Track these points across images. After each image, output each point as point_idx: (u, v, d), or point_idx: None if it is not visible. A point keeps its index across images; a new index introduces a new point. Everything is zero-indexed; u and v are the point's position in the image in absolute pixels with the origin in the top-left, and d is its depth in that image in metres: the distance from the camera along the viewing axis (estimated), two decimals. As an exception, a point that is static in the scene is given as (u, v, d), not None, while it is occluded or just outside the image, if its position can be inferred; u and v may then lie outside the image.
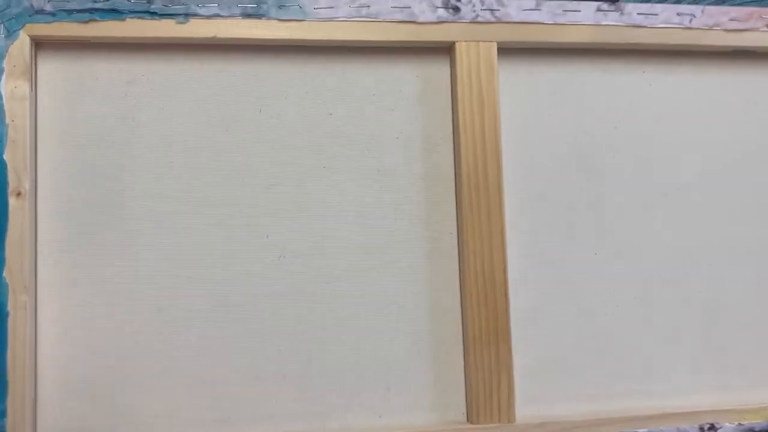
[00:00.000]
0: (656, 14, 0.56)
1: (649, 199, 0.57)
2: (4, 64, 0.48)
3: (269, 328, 0.51)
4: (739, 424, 0.54)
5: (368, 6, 0.52)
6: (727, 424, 0.54)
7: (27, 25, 0.48)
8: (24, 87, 0.48)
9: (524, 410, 0.53)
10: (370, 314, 0.52)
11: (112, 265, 0.49)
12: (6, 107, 0.48)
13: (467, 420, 0.52)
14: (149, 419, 0.49)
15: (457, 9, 0.53)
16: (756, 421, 0.54)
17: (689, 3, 0.58)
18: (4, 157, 0.47)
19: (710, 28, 0.57)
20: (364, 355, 0.52)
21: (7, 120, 0.48)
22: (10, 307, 0.47)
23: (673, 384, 0.55)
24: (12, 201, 0.47)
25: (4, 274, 0.47)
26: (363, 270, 0.52)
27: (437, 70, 0.54)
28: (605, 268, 0.55)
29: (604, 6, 0.55)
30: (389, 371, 0.52)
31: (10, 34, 0.48)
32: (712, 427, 0.54)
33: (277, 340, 0.51)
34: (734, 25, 0.57)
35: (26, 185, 0.48)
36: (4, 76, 0.48)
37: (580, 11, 0.55)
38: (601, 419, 0.52)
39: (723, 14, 0.57)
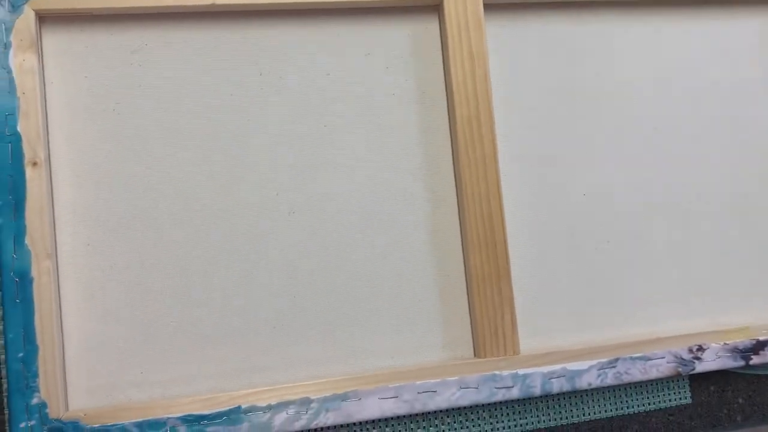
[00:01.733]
0: (629, -34, 0.59)
1: (631, 140, 0.60)
2: (12, 38, 0.49)
3: (283, 280, 0.53)
4: (725, 343, 0.58)
5: (359, -32, 0.54)
6: (713, 344, 0.58)
7: (31, 0, 0.50)
8: (32, 60, 0.49)
9: (527, 343, 0.56)
10: (377, 262, 0.55)
11: (129, 226, 0.51)
12: (17, 80, 0.49)
13: (474, 355, 0.55)
14: (175, 374, 0.51)
15: (443, -32, 0.56)
16: (739, 340, 0.58)
17: (658, -45, 0.62)
18: (18, 129, 0.49)
19: (679, -22, 0.60)
20: (374, 301, 0.55)
21: (18, 93, 0.49)
22: (34, 273, 0.48)
23: (662, 311, 0.59)
24: (29, 171, 0.49)
25: (26, 242, 0.48)
26: (368, 220, 0.55)
27: (428, 28, 0.57)
28: (595, 208, 0.59)
29: (581, -40, 0.58)
30: (399, 314, 0.55)
31: (15, 9, 0.49)
32: (700, 348, 0.58)
33: (292, 292, 0.53)
34: (701, -26, 0.61)
35: (41, 155, 0.49)
36: (12, 50, 0.49)
37: (558, -34, 0.58)
38: (599, 346, 0.56)
39: (690, -36, 0.61)
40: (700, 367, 0.57)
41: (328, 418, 0.51)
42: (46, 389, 0.48)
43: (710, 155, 0.62)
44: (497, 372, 0.54)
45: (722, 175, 0.62)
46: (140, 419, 0.49)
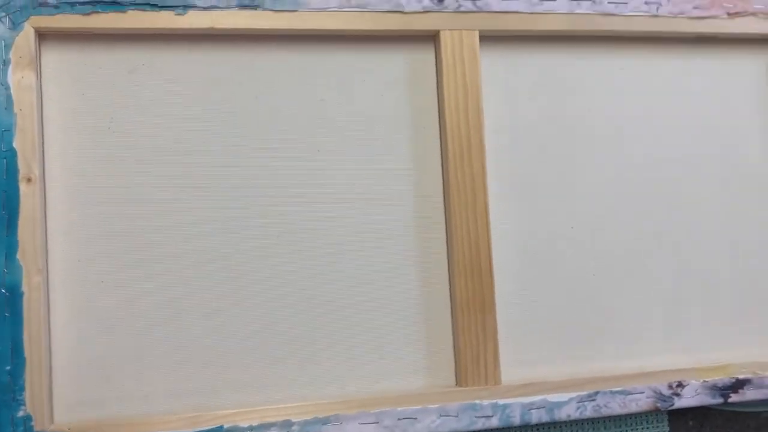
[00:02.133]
0: (626, 3, 0.60)
1: (621, 175, 0.61)
2: (11, 56, 0.50)
3: (269, 301, 0.54)
4: (704, 381, 0.59)
5: (358, -3, 0.55)
6: (693, 381, 0.59)
7: (31, 17, 0.50)
8: (30, 77, 0.50)
9: (509, 373, 0.57)
10: (364, 287, 0.56)
11: (120, 245, 0.52)
12: (14, 97, 0.50)
13: (456, 384, 0.56)
14: (160, 391, 0.52)
15: (441, -1, 0.56)
16: (719, 377, 0.59)
17: (656, -8, 0.62)
18: (14, 145, 0.49)
19: (675, 16, 0.61)
20: (359, 326, 0.55)
21: (16, 109, 0.50)
22: (24, 288, 0.49)
23: (644, 346, 0.60)
24: (23, 187, 0.49)
25: (18, 257, 0.49)
26: (357, 245, 0.56)
27: (423, 57, 0.58)
28: (582, 240, 0.60)
29: (578, -5, 0.59)
30: (382, 340, 0.56)
31: (16, 27, 0.50)
32: (680, 384, 0.58)
33: (277, 312, 0.54)
34: (697, 12, 0.61)
35: (36, 171, 0.50)
36: (11, 67, 0.50)
37: (555, 1, 0.58)
38: (580, 379, 0.57)
39: (687, 2, 0.61)
40: (678, 403, 0.58)
41: (309, 441, 0.52)
42: (32, 402, 0.49)
43: (699, 193, 0.62)
44: (478, 401, 0.55)
45: (709, 214, 0.62)
46: (123, 435, 0.50)
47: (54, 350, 0.51)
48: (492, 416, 0.55)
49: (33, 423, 0.48)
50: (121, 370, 0.52)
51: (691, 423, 0.61)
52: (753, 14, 0.62)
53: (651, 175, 0.61)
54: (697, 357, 0.61)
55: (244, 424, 0.51)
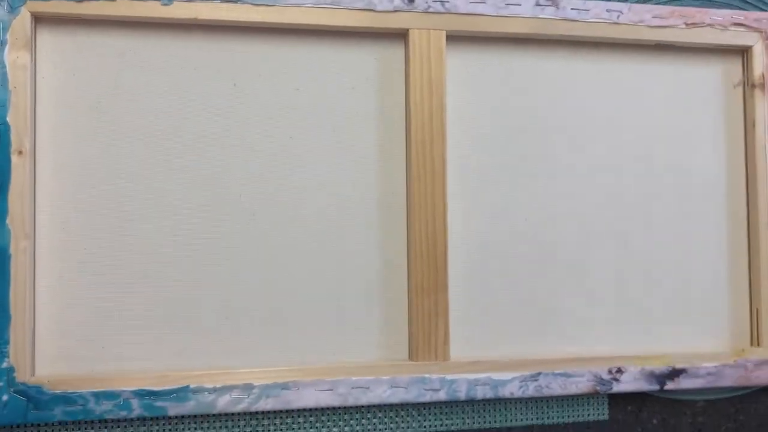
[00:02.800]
0: (588, 10, 0.63)
1: (575, 173, 0.65)
2: (8, 37, 0.54)
3: (240, 275, 0.58)
4: (642, 368, 0.63)
5: (333, -5, 0.59)
6: (632, 368, 0.63)
7: (28, 2, 0.54)
8: (25, 57, 0.54)
9: (458, 351, 0.61)
10: (328, 266, 0.60)
11: (103, 215, 0.57)
12: (9, 75, 0.54)
13: (409, 358, 0.60)
14: (133, 352, 0.57)
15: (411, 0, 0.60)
16: (656, 366, 0.63)
17: (617, 1, 0.66)
18: (8, 119, 0.54)
19: (635, 24, 0.64)
20: (322, 301, 0.60)
21: (10, 87, 0.54)
22: (12, 251, 0.54)
23: (587, 334, 0.64)
24: (14, 158, 0.54)
25: (7, 222, 0.54)
26: (324, 229, 0.60)
27: (393, 54, 0.62)
28: (534, 232, 0.64)
29: (542, 1, 0.62)
30: (343, 315, 0.60)
31: (13, 10, 0.54)
32: (619, 370, 0.63)
33: (248, 288, 0.59)
34: (656, 21, 0.65)
35: (27, 145, 0.54)
36: (7, 48, 0.54)
37: (520, 5, 0.62)
38: (524, 360, 0.61)
39: (647, 12, 0.64)
40: (617, 388, 0.62)
41: (268, 404, 0.57)
42: (15, 355, 0.53)
43: (647, 192, 0.66)
44: (427, 375, 0.59)
45: (656, 213, 0.66)
46: (98, 389, 0.54)
47: (38, 310, 0.56)
48: (439, 390, 0.59)
49: (15, 374, 0.53)
50: (98, 330, 0.56)
51: (629, 408, 0.65)
52: (710, 25, 0.66)
53: (603, 174, 0.65)
54: (637, 346, 0.65)
55: (209, 385, 0.56)
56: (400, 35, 0.61)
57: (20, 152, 0.54)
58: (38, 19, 0.56)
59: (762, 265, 0.66)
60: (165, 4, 0.56)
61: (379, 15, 0.60)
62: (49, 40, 0.56)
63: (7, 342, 0.53)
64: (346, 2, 0.59)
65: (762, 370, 0.65)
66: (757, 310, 0.66)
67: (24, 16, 0.54)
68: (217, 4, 0.57)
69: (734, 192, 0.67)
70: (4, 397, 0.53)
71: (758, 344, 0.66)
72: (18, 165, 0.54)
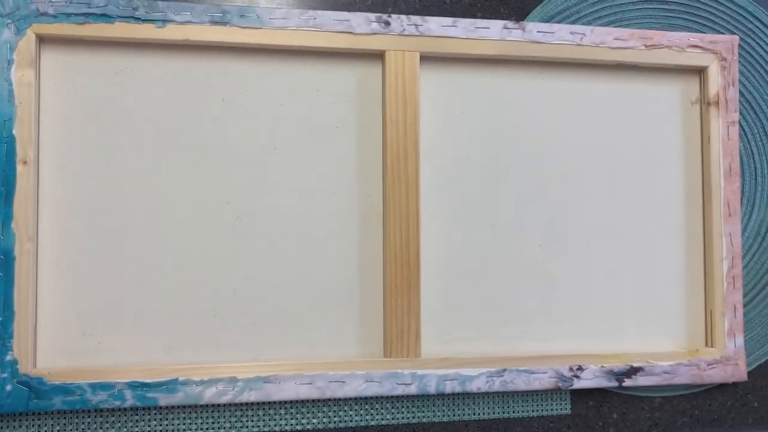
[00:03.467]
0: (553, 32, 0.68)
1: (540, 184, 0.69)
2: (14, 56, 0.59)
3: (227, 275, 0.63)
4: (602, 366, 0.67)
5: (315, 18, 0.64)
6: (592, 365, 0.67)
7: (33, 24, 0.59)
8: (30, 75, 0.59)
9: (429, 348, 0.66)
10: (309, 267, 0.65)
11: (101, 220, 0.61)
12: (15, 92, 0.59)
13: (383, 354, 0.65)
14: (126, 347, 0.61)
15: (387, 23, 0.65)
16: (615, 364, 0.68)
17: (581, 24, 0.71)
18: (14, 132, 0.59)
19: (597, 45, 0.69)
20: (303, 300, 0.64)
21: (16, 102, 0.59)
22: (16, 253, 0.58)
23: (550, 333, 0.69)
24: (19, 168, 0.59)
25: (12, 226, 0.58)
26: (304, 233, 0.65)
27: (370, 73, 0.66)
28: (501, 238, 0.68)
29: (510, 24, 0.67)
30: (322, 313, 0.65)
31: (19, 32, 0.59)
32: (579, 367, 0.67)
33: (233, 285, 0.63)
34: (618, 43, 0.69)
35: (31, 155, 0.59)
36: (14, 66, 0.59)
37: (489, 28, 0.67)
38: (491, 357, 0.65)
39: (608, 34, 0.69)
40: (578, 384, 0.67)
41: (251, 396, 0.61)
42: (18, 349, 0.58)
43: (609, 201, 0.71)
44: (399, 370, 0.64)
45: (617, 221, 0.71)
46: (94, 381, 0.59)
47: (40, 307, 0.60)
48: (411, 384, 0.64)
49: (18, 366, 0.58)
50: (95, 326, 0.61)
51: (590, 403, 0.70)
52: (668, 47, 0.70)
53: (567, 183, 0.70)
54: (597, 345, 0.69)
55: (196, 378, 0.60)
56: (378, 56, 0.66)
57: (25, 162, 0.59)
58: (42, 40, 0.61)
59: (716, 271, 0.70)
60: (159, 27, 0.61)
61: (358, 37, 0.64)
62: (52, 59, 0.61)
63: (11, 336, 0.58)
64: (327, 25, 0.64)
65: (714, 369, 0.69)
66: (711, 312, 0.71)
67: (29, 38, 0.59)
68: (207, 26, 0.62)
69: (691, 201, 0.72)
70: (8, 387, 0.58)
71: (712, 345, 0.71)
72: (23, 174, 0.59)
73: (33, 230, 0.59)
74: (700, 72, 0.72)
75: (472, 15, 0.69)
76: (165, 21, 0.61)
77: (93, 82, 0.62)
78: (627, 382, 0.68)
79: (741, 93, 0.75)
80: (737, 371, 0.70)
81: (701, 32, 0.74)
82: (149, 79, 0.63)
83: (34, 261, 0.59)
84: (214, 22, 0.62)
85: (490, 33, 0.67)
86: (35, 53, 0.60)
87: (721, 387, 0.72)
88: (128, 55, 0.62)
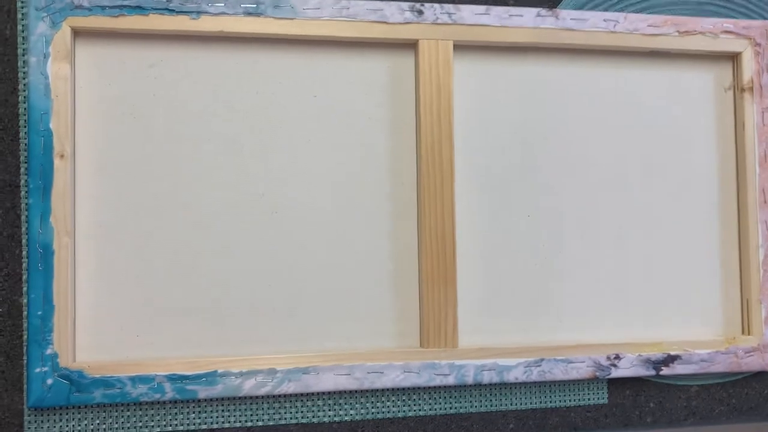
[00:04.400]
0: (586, 20, 0.68)
1: (575, 172, 0.69)
2: (50, 50, 0.59)
3: (263, 269, 0.63)
4: (639, 355, 0.67)
5: (348, 8, 0.63)
6: (629, 354, 0.67)
7: (68, 18, 0.59)
8: (66, 68, 0.59)
9: (467, 339, 0.66)
10: (345, 260, 0.64)
11: (137, 214, 0.61)
12: (51, 85, 0.59)
13: (420, 345, 0.65)
14: (166, 339, 0.61)
15: (420, 12, 0.64)
16: (652, 353, 0.67)
17: (614, 11, 0.70)
18: (51, 125, 0.59)
19: (631, 32, 0.68)
20: (339, 292, 0.64)
21: (53, 96, 0.59)
22: (55, 247, 0.58)
23: (586, 322, 0.68)
24: (57, 161, 0.59)
25: (51, 220, 0.58)
26: (340, 224, 0.65)
27: (404, 63, 0.66)
28: (536, 228, 0.68)
29: (543, 12, 0.67)
30: (359, 305, 0.64)
31: (55, 25, 0.59)
32: (617, 356, 0.67)
33: (269, 278, 0.63)
34: (651, 30, 0.69)
35: (68, 149, 0.59)
36: (50, 60, 0.59)
37: (522, 16, 0.66)
38: (528, 347, 0.65)
39: (642, 21, 0.69)
40: (615, 373, 0.66)
41: (290, 387, 0.61)
42: (58, 342, 0.58)
43: (644, 190, 0.70)
44: (437, 361, 0.63)
45: (653, 210, 0.70)
46: (134, 374, 0.59)
47: (78, 301, 0.60)
48: (449, 374, 0.63)
49: (59, 359, 0.58)
50: (133, 319, 0.61)
51: (627, 392, 0.69)
52: (701, 33, 0.70)
53: (602, 173, 0.69)
54: (634, 334, 0.69)
55: (235, 370, 0.60)
56: (411, 45, 0.66)
57: (62, 156, 0.59)
58: (77, 33, 0.60)
59: (752, 259, 0.70)
60: (193, 18, 0.61)
61: (391, 27, 0.64)
62: (87, 52, 0.61)
63: (51, 330, 0.58)
64: (360, 15, 0.64)
65: (752, 357, 0.69)
66: (748, 300, 0.70)
67: (65, 31, 0.59)
68: (241, 17, 0.62)
69: (726, 189, 0.72)
70: (49, 381, 0.58)
71: (749, 333, 0.70)
72: (60, 167, 0.59)
73: (71, 225, 0.59)
74: (734, 58, 0.72)
75: (505, 2, 0.69)
76: (199, 12, 0.61)
77: (128, 74, 0.62)
78: (664, 371, 0.67)
79: (774, 79, 0.74)
80: (775, 359, 0.70)
81: (734, 17, 0.73)
82: (183, 72, 0.62)
83: (72, 255, 0.59)
84: (248, 13, 0.62)
85: (524, 21, 0.66)
86: (70, 46, 0.59)
87: (759, 375, 0.72)
88: (162, 47, 0.62)
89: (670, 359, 0.67)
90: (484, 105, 0.68)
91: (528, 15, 0.66)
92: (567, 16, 0.67)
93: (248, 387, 0.60)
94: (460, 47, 0.66)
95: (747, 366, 0.69)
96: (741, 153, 0.71)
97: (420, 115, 0.64)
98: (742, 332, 0.71)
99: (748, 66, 0.71)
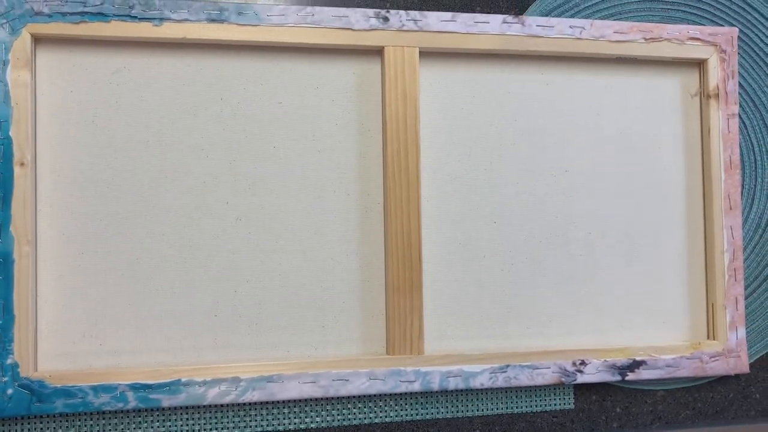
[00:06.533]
0: (552, 26, 0.68)
1: (541, 179, 0.69)
2: (9, 57, 0.58)
3: (227, 275, 0.63)
4: (605, 360, 0.67)
5: (313, 15, 0.63)
6: (594, 360, 0.67)
7: (28, 24, 0.58)
8: (26, 76, 0.58)
9: (432, 346, 0.66)
10: (311, 267, 0.64)
11: (100, 222, 0.61)
12: (11, 92, 0.58)
13: (386, 352, 0.65)
14: (128, 348, 0.61)
15: (386, 19, 0.64)
16: (618, 359, 0.68)
17: (580, 17, 0.70)
18: (10, 133, 0.58)
19: (597, 39, 0.69)
20: (304, 299, 0.64)
21: (12, 103, 0.58)
22: (15, 256, 0.58)
23: (553, 328, 0.69)
24: (17, 169, 0.58)
25: (11, 229, 0.58)
26: (305, 231, 0.64)
27: (370, 69, 0.66)
28: (502, 234, 0.68)
29: (509, 19, 0.67)
30: (324, 313, 0.64)
31: (14, 32, 0.58)
32: (582, 362, 0.67)
33: (234, 286, 0.63)
34: (617, 36, 0.69)
35: (28, 157, 0.58)
36: (9, 67, 0.58)
37: (488, 23, 0.66)
38: (494, 354, 0.65)
39: (608, 27, 0.69)
40: (581, 379, 0.67)
41: (254, 396, 0.61)
42: (19, 352, 0.57)
43: (611, 196, 0.70)
44: (402, 368, 0.63)
45: (619, 215, 0.71)
46: (96, 383, 0.58)
47: (40, 309, 0.60)
48: (414, 381, 0.64)
49: (19, 369, 0.57)
50: (95, 328, 0.60)
51: (594, 398, 0.70)
52: (668, 40, 0.70)
53: (569, 179, 0.70)
54: (599, 339, 0.69)
55: (199, 379, 0.60)
56: (377, 52, 0.66)
57: (22, 164, 0.58)
58: (37, 40, 0.60)
59: (717, 264, 0.70)
60: (156, 25, 0.61)
61: (357, 33, 0.64)
62: (47, 59, 0.60)
63: (11, 340, 0.57)
64: (325, 22, 0.63)
65: (717, 362, 0.69)
66: (713, 305, 0.71)
67: (24, 38, 0.58)
68: (205, 24, 0.61)
69: (692, 194, 0.72)
70: (9, 391, 0.57)
71: (713, 338, 0.71)
72: (20, 175, 0.58)
73: (31, 233, 0.58)
74: (700, 64, 0.72)
75: (471, 9, 0.69)
76: (162, 19, 0.61)
77: (90, 82, 0.61)
78: (630, 376, 0.68)
79: (740, 85, 0.74)
80: (739, 363, 0.70)
81: (701, 24, 0.73)
82: (147, 79, 0.62)
83: (33, 264, 0.59)
84: (212, 20, 0.61)
85: (490, 27, 0.66)
86: (31, 53, 0.59)
87: (723, 379, 0.72)
88: (125, 54, 0.62)
89: (635, 365, 0.68)
90: (450, 111, 0.68)
91: (494, 22, 0.66)
92: (533, 22, 0.67)
93: (212, 395, 0.60)
94: (426, 54, 0.66)
95: (712, 371, 0.69)
96: (707, 159, 0.72)
97: (386, 122, 0.64)
98: (708, 337, 0.71)
99: (714, 73, 0.71)
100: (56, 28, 0.59)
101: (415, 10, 0.67)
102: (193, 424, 0.62)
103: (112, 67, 0.62)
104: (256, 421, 0.63)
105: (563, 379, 0.66)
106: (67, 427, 0.60)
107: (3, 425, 0.59)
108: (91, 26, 0.60)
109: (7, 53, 0.58)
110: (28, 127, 0.58)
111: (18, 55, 0.58)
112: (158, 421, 0.61)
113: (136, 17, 0.60)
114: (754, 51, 0.75)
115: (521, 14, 0.69)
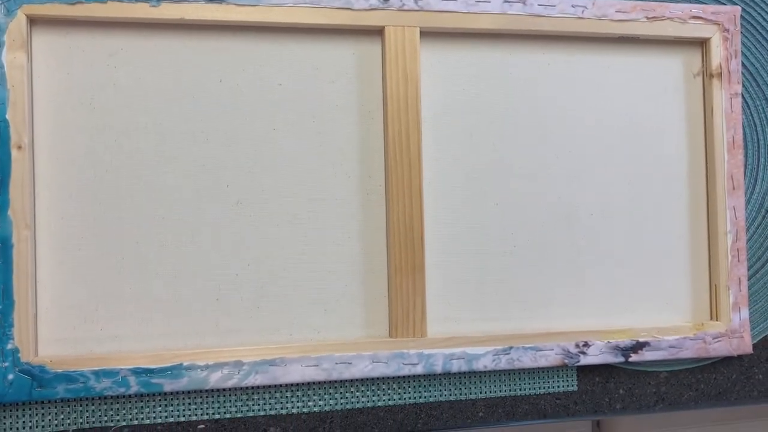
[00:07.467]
0: (554, 5, 0.67)
1: (543, 160, 0.69)
2: (5, 39, 0.57)
3: (228, 259, 0.62)
4: (608, 342, 0.67)
5: (312, -6, 0.62)
6: (598, 341, 0.67)
7: (24, 5, 0.58)
8: (22, 58, 0.58)
9: (435, 328, 0.65)
10: (312, 250, 0.64)
11: (99, 205, 0.60)
12: (7, 75, 0.57)
13: (389, 335, 0.64)
14: (129, 332, 0.60)
15: (386, -2, 0.64)
16: (621, 340, 0.67)
17: (582, -4, 0.70)
18: (7, 116, 0.57)
19: (599, 18, 0.68)
20: (306, 282, 0.64)
21: (8, 85, 0.57)
22: (14, 240, 0.57)
23: (556, 310, 0.68)
24: (14, 153, 0.57)
25: (9, 213, 0.57)
26: (307, 214, 0.64)
27: (370, 50, 0.65)
28: (505, 216, 0.68)
29: (510, -2, 0.66)
30: (327, 296, 0.64)
31: (9, 13, 0.58)
32: (585, 344, 0.67)
33: (235, 269, 0.62)
34: (619, 15, 0.68)
35: (25, 140, 0.58)
36: (5, 49, 0.57)
37: (489, 2, 0.66)
38: (497, 335, 0.65)
39: (610, 6, 0.68)
40: (584, 361, 0.67)
41: (257, 379, 0.61)
42: (19, 337, 0.57)
43: (614, 177, 0.70)
44: (405, 351, 0.63)
45: (622, 196, 0.70)
46: (97, 368, 0.58)
47: (39, 294, 0.59)
48: (417, 364, 0.63)
49: (20, 354, 0.57)
50: (96, 313, 0.60)
51: (597, 379, 0.69)
52: (670, 19, 0.69)
53: (571, 159, 0.69)
54: (602, 321, 0.69)
55: (201, 363, 0.60)
56: (377, 32, 0.65)
57: (19, 147, 0.57)
58: (33, 21, 0.59)
59: (720, 244, 0.70)
60: (153, 6, 0.60)
61: (357, 13, 0.63)
62: (44, 40, 0.60)
63: (11, 325, 0.57)
64: (325, 1, 0.63)
65: (720, 343, 0.69)
66: (716, 286, 0.70)
67: (20, 19, 0.58)
68: (203, 4, 0.61)
69: (694, 174, 0.72)
70: (10, 376, 0.57)
71: (717, 318, 0.70)
72: (18, 159, 0.57)
73: (30, 217, 0.58)
74: (703, 44, 0.71)
75: (472, -11, 0.68)
76: (159, 0, 0.60)
77: (87, 64, 0.60)
78: (633, 358, 0.68)
79: (743, 65, 0.74)
80: (742, 344, 0.70)
81: (703, 3, 0.73)
82: (144, 60, 0.61)
83: (32, 248, 0.58)
84: (210, 0, 0.61)
85: (491, 7, 0.66)
86: (26, 35, 0.58)
87: (726, 360, 0.72)
88: (122, 35, 0.61)
89: (638, 346, 0.68)
90: (452, 92, 0.67)
91: (495, 1, 0.66)
92: (534, 1, 0.66)
93: (214, 380, 0.60)
94: (426, 34, 0.65)
95: (715, 351, 0.69)
96: (709, 139, 0.71)
97: (387, 103, 0.64)
98: (711, 318, 0.71)
99: (717, 52, 0.71)
100: (52, 9, 0.58)
101: (416, -11, 0.67)
102: (196, 409, 0.61)
103: (110, 48, 0.61)
104: (258, 405, 0.63)
105: (566, 361, 0.66)
106: (69, 412, 0.59)
107: (4, 411, 0.58)
108: (87, 7, 0.59)
109: (2, 35, 0.57)
110: (24, 110, 0.58)
111: (14, 37, 0.57)
112: (160, 405, 0.61)
113: (133, -2, 0.59)
114: (757, 30, 0.74)
115: (523, -7, 0.68)
